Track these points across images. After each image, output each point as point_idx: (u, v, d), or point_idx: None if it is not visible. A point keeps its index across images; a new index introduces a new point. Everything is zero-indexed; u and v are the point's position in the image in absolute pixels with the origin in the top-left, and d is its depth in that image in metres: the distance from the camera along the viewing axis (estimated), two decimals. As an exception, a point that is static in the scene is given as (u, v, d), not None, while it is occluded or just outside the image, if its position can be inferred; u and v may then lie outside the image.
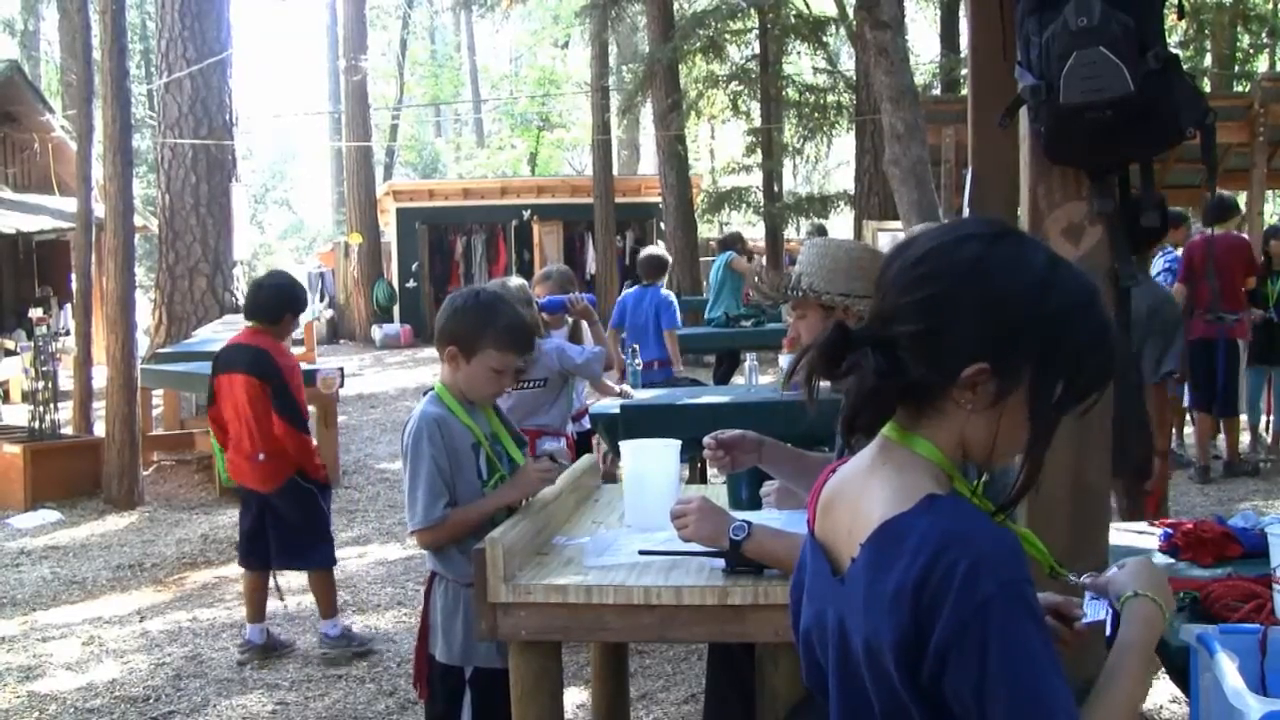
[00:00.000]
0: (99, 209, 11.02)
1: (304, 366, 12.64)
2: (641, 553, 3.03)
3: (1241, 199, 13.22)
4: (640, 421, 6.04)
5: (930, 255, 1.57)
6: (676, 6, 21.76)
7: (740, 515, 3.02)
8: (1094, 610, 1.70)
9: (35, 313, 10.69)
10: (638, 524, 3.41)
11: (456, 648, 3.29)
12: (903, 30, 9.25)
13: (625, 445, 3.59)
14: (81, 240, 10.61)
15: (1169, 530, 3.83)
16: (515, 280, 5.89)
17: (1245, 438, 9.51)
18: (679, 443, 3.61)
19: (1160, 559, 3.66)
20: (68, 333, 15.01)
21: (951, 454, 1.58)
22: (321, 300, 24.14)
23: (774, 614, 2.81)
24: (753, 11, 20.54)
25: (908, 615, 1.44)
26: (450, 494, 3.25)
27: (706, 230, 25.62)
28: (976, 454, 1.59)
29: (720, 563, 2.92)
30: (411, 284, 24.11)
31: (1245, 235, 10.21)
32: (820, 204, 22.39)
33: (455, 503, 3.25)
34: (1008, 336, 1.52)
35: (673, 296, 9.91)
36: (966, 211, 4.49)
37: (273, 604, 6.60)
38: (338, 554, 7.69)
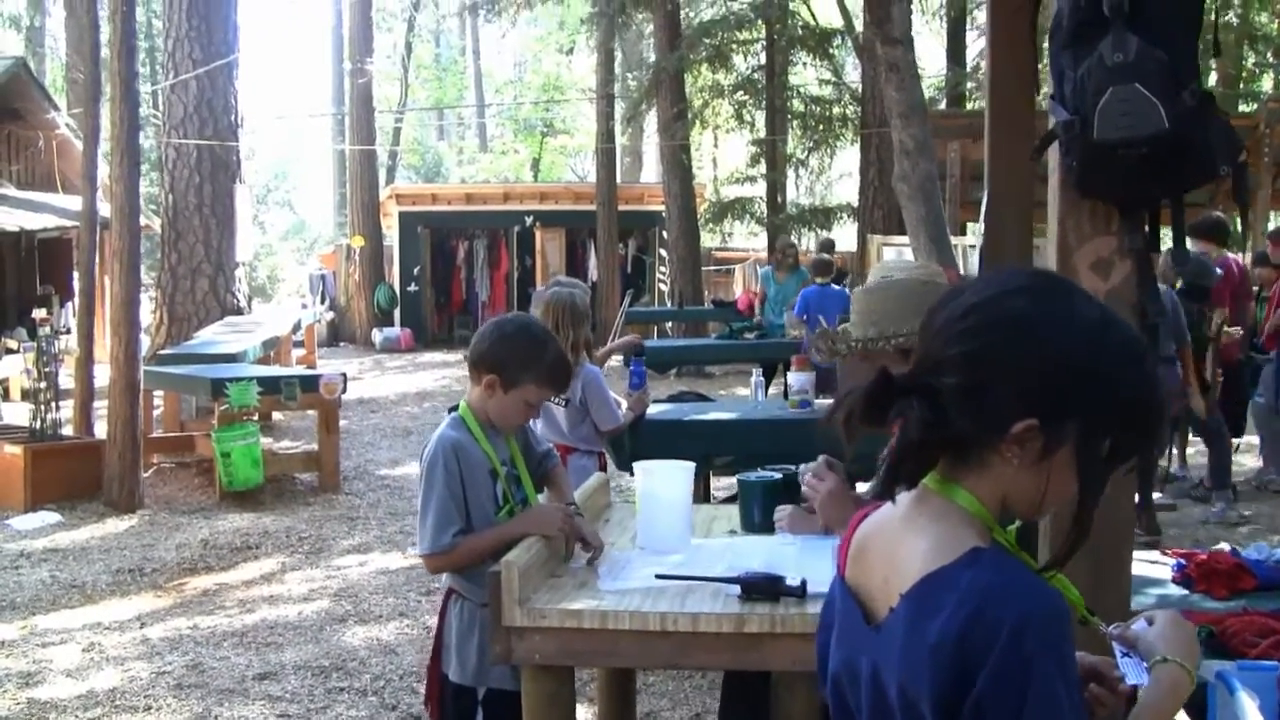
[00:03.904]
0: (103, 208, 10.99)
1: (305, 371, 12.69)
2: (658, 576, 3.00)
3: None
4: (647, 437, 6.01)
5: (979, 307, 1.55)
6: (683, 15, 21.76)
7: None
8: (1133, 673, 1.69)
9: (39, 313, 10.62)
10: (650, 546, 3.39)
11: (470, 668, 3.26)
12: (912, 46, 9.24)
13: (639, 466, 3.56)
14: (86, 239, 10.58)
15: (1182, 561, 3.82)
16: (580, 292, 5.79)
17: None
18: (692, 465, 3.60)
19: (1174, 591, 3.64)
20: (68, 331, 14.98)
21: (992, 506, 1.57)
22: (323, 303, 24.15)
23: (791, 642, 2.79)
24: (760, 22, 20.56)
25: (948, 668, 1.43)
26: (464, 521, 3.23)
27: (709, 240, 25.61)
28: (1021, 508, 1.58)
29: (735, 589, 2.90)
30: (413, 288, 24.12)
31: (1241, 259, 10.24)
32: (824, 216, 22.41)
33: (471, 529, 3.23)
34: (1057, 393, 1.51)
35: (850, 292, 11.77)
36: (981, 231, 4.48)
37: (270, 612, 6.59)
38: (338, 561, 7.74)
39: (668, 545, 3.37)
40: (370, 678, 5.55)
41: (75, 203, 16.17)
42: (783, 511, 3.57)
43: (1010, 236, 4.31)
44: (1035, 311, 1.53)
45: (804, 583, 2.86)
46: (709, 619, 2.81)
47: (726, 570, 2.99)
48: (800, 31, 20.91)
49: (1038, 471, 1.53)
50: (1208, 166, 2.42)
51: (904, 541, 1.57)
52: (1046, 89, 2.86)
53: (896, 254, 13.66)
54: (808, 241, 21.78)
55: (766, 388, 11.21)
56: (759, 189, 23.67)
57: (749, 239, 28.13)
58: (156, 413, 11.99)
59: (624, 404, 5.87)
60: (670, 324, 19.72)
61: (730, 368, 17.75)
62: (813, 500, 3.10)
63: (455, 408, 3.44)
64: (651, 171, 38.10)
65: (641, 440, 5.99)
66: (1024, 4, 4.32)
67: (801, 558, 3.12)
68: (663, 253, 22.93)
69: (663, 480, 3.47)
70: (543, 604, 2.90)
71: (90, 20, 10.60)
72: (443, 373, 19.01)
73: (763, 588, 2.87)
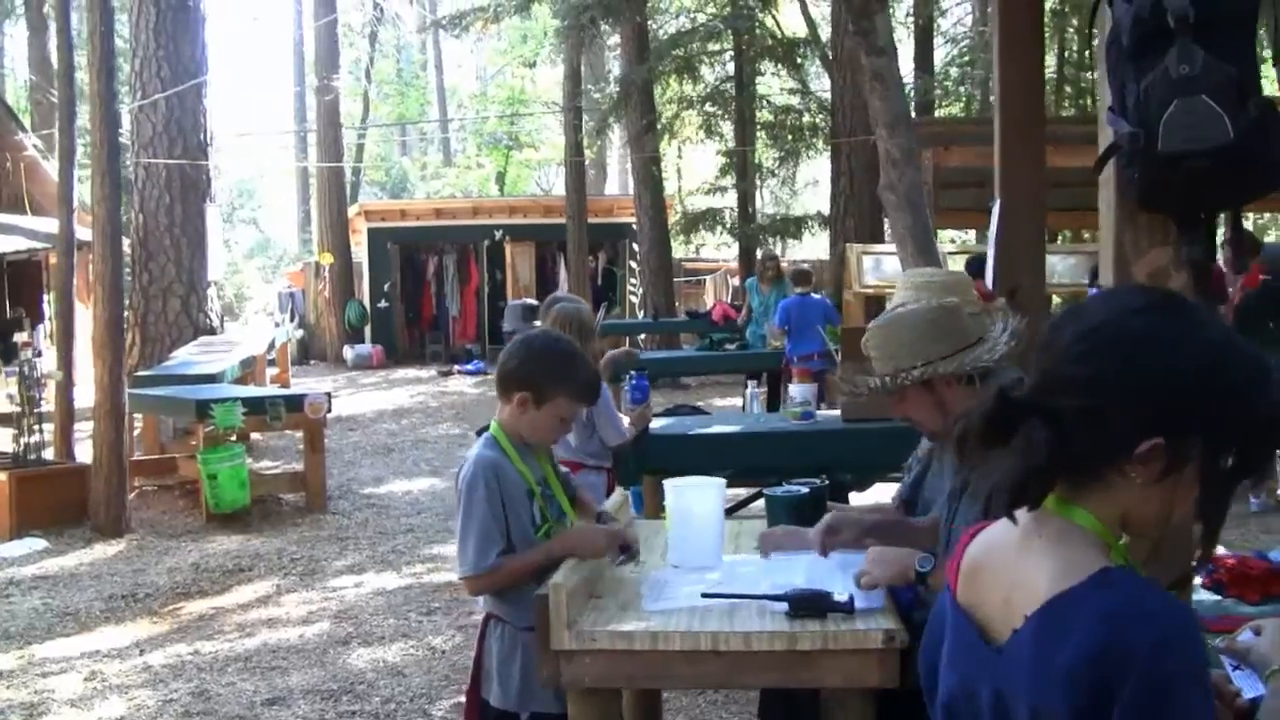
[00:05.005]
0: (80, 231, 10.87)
1: (290, 391, 12.59)
2: (705, 595, 2.98)
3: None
4: (650, 452, 5.99)
5: (1101, 328, 1.55)
6: (650, 27, 21.76)
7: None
8: (1248, 685, 1.69)
9: (20, 336, 10.48)
10: (685, 563, 3.37)
11: (513, 693, 3.23)
12: (895, 55, 9.28)
13: (669, 484, 3.54)
14: (63, 262, 10.47)
15: (1211, 565, 3.82)
16: (585, 307, 5.80)
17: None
18: (723, 481, 3.59)
19: (1206, 596, 3.65)
20: (40, 354, 14.79)
21: (1112, 525, 1.57)
22: (292, 320, 24.00)
23: (842, 659, 2.79)
24: (729, 33, 20.60)
25: (1086, 690, 1.42)
26: (505, 541, 3.20)
27: (679, 251, 25.62)
28: (1141, 526, 1.58)
29: (782, 606, 2.89)
30: (383, 304, 24.02)
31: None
32: (794, 225, 22.46)
33: (512, 549, 3.20)
34: (1182, 412, 1.51)
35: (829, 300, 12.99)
36: (992, 242, 4.48)
37: (270, 636, 6.53)
38: (333, 582, 7.67)
39: (701, 561, 3.36)
40: (380, 700, 5.50)
41: (44, 224, 16.01)
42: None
43: (1024, 245, 4.34)
44: (1157, 331, 1.53)
45: (851, 598, 2.85)
46: (761, 637, 2.80)
47: (770, 587, 2.97)
48: (769, 42, 20.96)
49: (1160, 490, 1.53)
50: (1270, 177, 2.44)
51: (1025, 562, 1.57)
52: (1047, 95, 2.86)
53: (874, 262, 13.70)
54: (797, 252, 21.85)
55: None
56: (728, 199, 23.70)
57: (719, 250, 28.17)
58: (135, 434, 11.86)
59: (626, 419, 5.87)
60: (642, 335, 19.68)
61: (706, 379, 17.76)
62: (872, 576, 3.00)
63: (485, 429, 3.42)
64: (615, 183, 38.12)
65: (645, 455, 5.97)
66: (1033, 17, 4.36)
67: (844, 573, 3.11)
68: (633, 264, 22.91)
69: (694, 497, 3.46)
70: (590, 626, 2.87)
71: (64, 41, 10.50)
72: (417, 389, 18.93)
73: (811, 604, 2.86)
